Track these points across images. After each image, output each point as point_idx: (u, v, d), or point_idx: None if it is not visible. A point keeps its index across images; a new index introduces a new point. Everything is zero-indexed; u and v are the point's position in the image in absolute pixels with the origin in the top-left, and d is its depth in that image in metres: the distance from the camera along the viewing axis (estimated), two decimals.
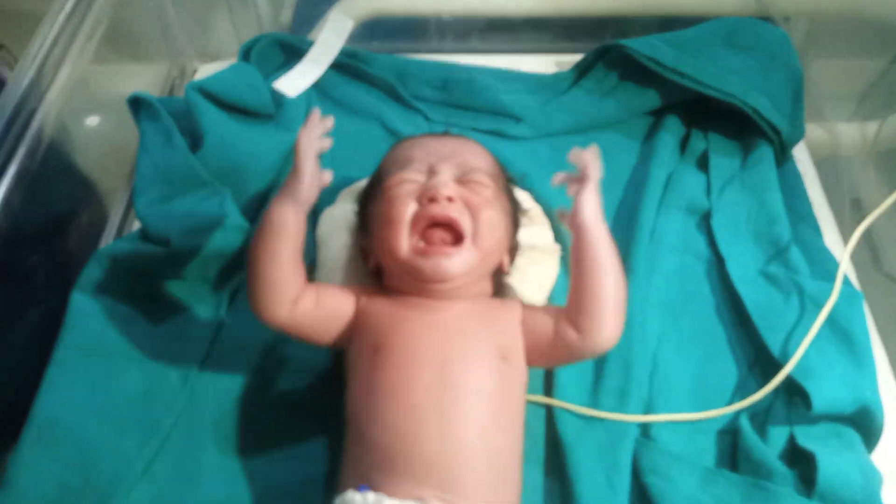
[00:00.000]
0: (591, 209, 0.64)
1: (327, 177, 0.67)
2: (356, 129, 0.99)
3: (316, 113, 0.67)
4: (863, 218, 0.81)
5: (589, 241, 0.63)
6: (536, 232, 0.81)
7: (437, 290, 0.66)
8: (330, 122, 0.67)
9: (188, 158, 0.84)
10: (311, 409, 0.72)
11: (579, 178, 0.66)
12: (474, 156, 0.73)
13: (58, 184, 0.83)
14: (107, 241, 0.90)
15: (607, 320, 0.63)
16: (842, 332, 0.72)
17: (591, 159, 0.65)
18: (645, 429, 0.71)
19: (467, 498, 0.58)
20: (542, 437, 0.71)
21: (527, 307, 0.68)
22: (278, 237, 0.64)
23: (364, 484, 0.59)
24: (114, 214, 0.93)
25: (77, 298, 0.76)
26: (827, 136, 0.98)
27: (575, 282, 0.64)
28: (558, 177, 0.68)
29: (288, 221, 0.64)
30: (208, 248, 0.77)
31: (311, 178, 0.65)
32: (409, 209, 0.66)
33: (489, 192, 0.68)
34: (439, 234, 0.65)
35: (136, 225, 0.90)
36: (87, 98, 0.90)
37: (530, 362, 0.67)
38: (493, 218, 0.67)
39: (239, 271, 0.81)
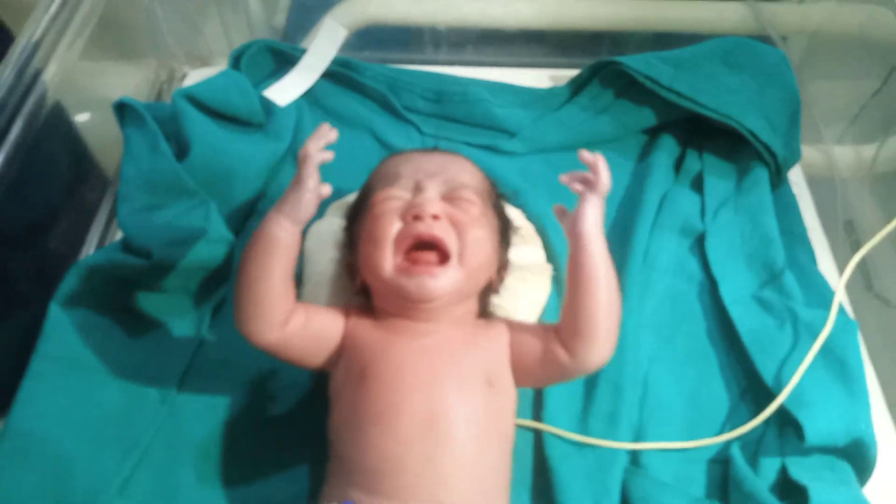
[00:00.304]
0: (593, 221, 0.61)
1: (326, 189, 0.63)
2: (347, 141, 0.95)
3: (325, 126, 0.63)
4: (857, 243, 0.80)
5: (587, 255, 0.60)
6: (528, 251, 0.80)
7: (423, 310, 0.64)
8: (334, 134, 0.63)
9: (174, 167, 0.82)
10: (293, 429, 0.71)
11: (586, 182, 0.62)
12: (463, 172, 0.71)
13: (39, 189, 0.81)
14: (89, 248, 0.88)
15: (600, 341, 0.61)
16: (836, 362, 0.71)
17: (603, 168, 0.61)
18: (635, 455, 0.70)
19: None
20: (529, 461, 0.70)
21: (514, 327, 0.67)
22: (272, 253, 0.61)
23: (349, 500, 0.58)
24: (97, 221, 0.90)
25: (55, 310, 0.74)
26: (822, 158, 0.97)
27: (569, 297, 0.62)
28: (565, 177, 0.63)
29: (283, 237, 0.61)
30: (191, 260, 0.75)
31: (313, 193, 0.62)
32: (393, 227, 0.64)
33: (477, 209, 0.67)
34: (424, 255, 0.64)
35: (118, 234, 0.88)
36: (71, 100, 0.88)
37: (519, 382, 0.65)
38: (479, 237, 0.65)
39: (222, 285, 0.79)
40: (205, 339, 0.76)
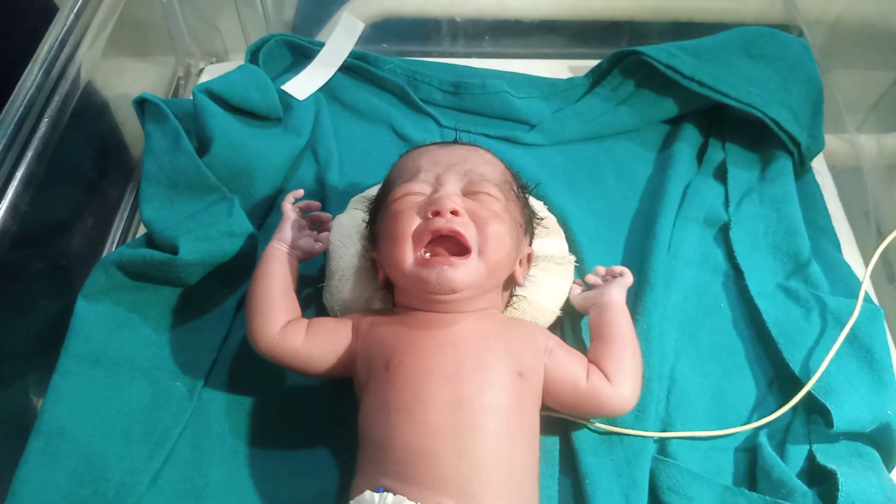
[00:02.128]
0: (620, 297, 0.73)
1: (324, 237, 0.76)
2: (365, 134, 0.98)
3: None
4: (882, 233, 0.80)
5: (618, 316, 0.71)
6: (552, 242, 0.80)
7: (445, 301, 0.65)
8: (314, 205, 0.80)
9: (196, 162, 0.82)
10: (321, 423, 0.71)
11: (615, 274, 0.77)
12: (484, 164, 0.72)
13: (63, 187, 0.82)
14: (111, 246, 0.89)
15: (631, 381, 0.67)
16: (863, 349, 0.72)
17: (629, 272, 0.77)
18: (662, 445, 0.70)
19: None
20: (556, 452, 0.70)
21: (559, 343, 0.69)
22: (266, 265, 0.71)
23: (381, 487, 0.58)
24: (118, 218, 0.91)
25: (82, 306, 0.75)
26: (845, 148, 0.97)
27: (598, 349, 0.69)
28: (601, 269, 0.78)
29: (273, 253, 0.71)
30: (216, 255, 0.76)
31: (294, 221, 0.75)
32: (413, 223, 0.65)
33: (498, 204, 0.68)
34: (445, 247, 0.65)
35: (141, 229, 0.88)
36: (93, 99, 0.88)
37: (545, 399, 0.67)
38: (500, 232, 0.66)
39: (246, 279, 0.79)
40: (230, 334, 0.77)
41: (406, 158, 0.74)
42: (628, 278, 0.76)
